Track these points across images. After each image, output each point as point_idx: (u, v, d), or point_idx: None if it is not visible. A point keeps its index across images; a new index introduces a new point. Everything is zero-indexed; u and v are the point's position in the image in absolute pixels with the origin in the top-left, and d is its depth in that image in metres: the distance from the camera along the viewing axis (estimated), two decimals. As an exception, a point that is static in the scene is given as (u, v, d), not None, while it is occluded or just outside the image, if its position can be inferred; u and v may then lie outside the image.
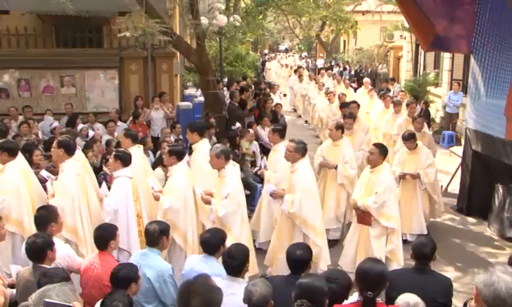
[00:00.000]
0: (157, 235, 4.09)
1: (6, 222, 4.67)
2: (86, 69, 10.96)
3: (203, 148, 6.21)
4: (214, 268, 3.85)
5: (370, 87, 13.35)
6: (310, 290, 2.96)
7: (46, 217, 4.20)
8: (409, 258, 4.03)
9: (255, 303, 3.06)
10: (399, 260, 5.51)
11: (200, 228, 5.50)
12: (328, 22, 25.95)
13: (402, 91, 13.82)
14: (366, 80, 14.78)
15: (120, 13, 9.47)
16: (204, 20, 10.96)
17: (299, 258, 3.68)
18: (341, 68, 24.89)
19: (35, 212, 4.47)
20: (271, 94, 13.35)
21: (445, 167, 10.08)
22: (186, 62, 15.85)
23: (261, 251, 6.16)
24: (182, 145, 6.22)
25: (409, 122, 8.42)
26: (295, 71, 20.53)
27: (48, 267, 3.69)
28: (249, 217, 6.23)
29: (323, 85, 14.81)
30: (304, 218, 5.38)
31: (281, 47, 47.63)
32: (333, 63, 27.05)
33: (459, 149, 10.54)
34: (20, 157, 5.43)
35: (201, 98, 11.75)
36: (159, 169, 6.76)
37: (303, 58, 32.62)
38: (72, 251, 4.37)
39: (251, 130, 8.90)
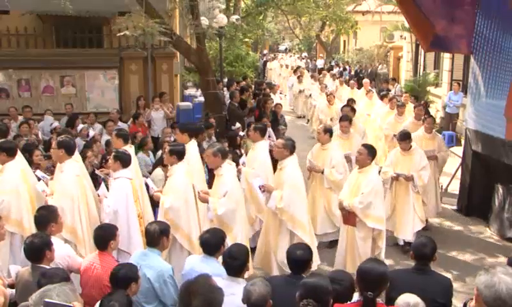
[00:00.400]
0: (157, 235, 4.08)
1: (6, 222, 4.67)
2: (86, 69, 10.97)
3: (191, 149, 6.27)
4: (214, 268, 3.85)
5: (369, 88, 13.20)
6: (316, 289, 2.97)
7: (46, 217, 4.20)
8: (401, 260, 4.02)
9: (253, 303, 3.06)
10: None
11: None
12: (328, 22, 25.96)
13: (406, 92, 13.53)
14: (365, 81, 14.60)
15: (120, 13, 9.48)
16: (204, 21, 10.97)
17: (300, 258, 3.67)
18: (341, 69, 24.89)
19: (35, 212, 4.47)
20: (271, 94, 13.35)
21: (445, 167, 10.02)
22: (186, 63, 15.85)
23: None
24: (182, 145, 6.22)
25: (416, 125, 8.25)
26: (294, 71, 20.51)
27: (47, 267, 3.69)
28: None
29: (326, 86, 14.63)
30: (292, 213, 5.41)
31: (281, 47, 47.61)
32: (333, 63, 27.06)
33: (459, 150, 10.54)
34: (19, 157, 5.43)
35: (201, 98, 11.76)
36: (159, 169, 6.75)
37: (303, 58, 32.59)
38: (72, 251, 4.37)
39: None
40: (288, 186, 5.42)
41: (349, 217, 5.57)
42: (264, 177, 5.73)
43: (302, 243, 4.36)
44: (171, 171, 5.43)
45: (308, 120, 15.96)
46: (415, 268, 3.80)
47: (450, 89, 14.12)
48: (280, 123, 9.99)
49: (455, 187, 8.88)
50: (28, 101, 10.47)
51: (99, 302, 3.27)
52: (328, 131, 6.88)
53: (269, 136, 8.27)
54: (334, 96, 11.94)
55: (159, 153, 7.57)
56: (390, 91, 15.22)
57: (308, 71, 23.95)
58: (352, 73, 23.67)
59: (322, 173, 6.75)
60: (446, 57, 15.43)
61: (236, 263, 3.65)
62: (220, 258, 4.05)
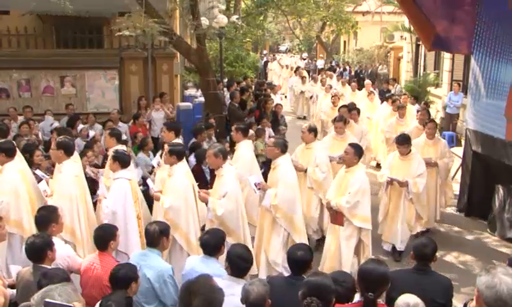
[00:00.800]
0: (157, 236, 4.08)
1: (6, 223, 4.66)
2: (86, 69, 10.96)
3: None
4: (214, 268, 3.84)
5: (371, 89, 12.89)
6: (319, 287, 2.97)
7: (46, 217, 4.20)
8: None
9: (252, 302, 3.07)
10: None
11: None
12: (328, 23, 25.96)
13: (405, 94, 13.39)
14: (367, 82, 14.27)
15: (120, 14, 9.47)
16: (204, 21, 10.96)
17: (300, 258, 3.66)
18: (341, 69, 24.89)
19: (36, 212, 4.47)
20: (272, 94, 13.33)
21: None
22: (186, 63, 15.85)
23: None
24: (182, 145, 6.22)
25: (421, 130, 7.90)
26: (295, 71, 20.43)
27: (48, 267, 3.69)
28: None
29: (330, 87, 14.19)
30: (286, 211, 5.43)
31: (282, 48, 47.65)
32: (333, 64, 27.07)
33: (459, 150, 10.53)
34: (18, 157, 5.43)
35: (202, 99, 11.75)
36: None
37: (304, 59, 32.60)
38: (72, 251, 4.37)
39: (266, 131, 8.88)
40: (282, 184, 5.46)
41: (337, 216, 5.57)
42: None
43: (302, 244, 4.35)
44: (171, 172, 5.43)
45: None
46: (416, 269, 3.81)
47: (451, 90, 14.12)
48: (280, 123, 9.99)
49: (455, 188, 8.87)
50: (28, 101, 10.47)
51: (99, 302, 3.28)
52: (312, 130, 6.78)
53: (270, 136, 8.26)
54: (339, 98, 11.56)
55: (160, 153, 7.58)
56: (390, 91, 15.21)
57: (309, 71, 23.95)
58: (353, 73, 23.68)
59: (305, 172, 6.68)
60: (446, 57, 15.44)
61: (245, 264, 3.67)
62: (220, 259, 4.06)
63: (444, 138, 12.79)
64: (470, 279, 5.99)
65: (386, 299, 3.47)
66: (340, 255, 5.55)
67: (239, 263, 3.64)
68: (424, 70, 17.68)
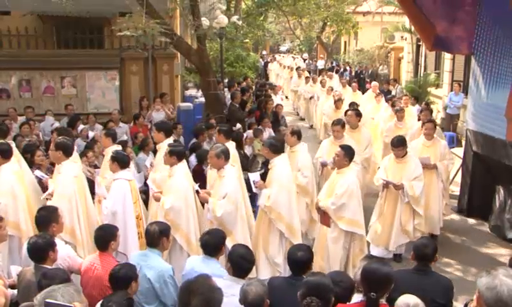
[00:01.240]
0: (157, 236, 4.08)
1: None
2: (86, 70, 10.98)
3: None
4: (214, 269, 3.85)
5: (378, 91, 12.58)
6: (319, 287, 2.98)
7: (47, 217, 4.20)
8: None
9: (250, 302, 3.07)
10: None
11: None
12: (328, 23, 25.97)
13: (406, 95, 13.01)
14: (374, 84, 14.03)
15: (121, 14, 9.48)
16: (205, 21, 10.97)
17: (300, 259, 3.67)
18: (341, 69, 24.88)
19: (36, 212, 4.47)
20: (272, 95, 13.32)
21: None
22: (187, 63, 15.87)
23: None
24: (182, 145, 6.22)
25: None
26: (296, 70, 20.30)
27: (49, 267, 3.69)
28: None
29: (332, 89, 13.87)
30: (279, 212, 5.41)
31: (282, 48, 47.66)
32: (333, 64, 27.07)
33: (459, 151, 10.53)
34: (15, 157, 5.42)
35: (202, 99, 11.76)
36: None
37: (305, 59, 32.60)
38: (73, 251, 4.37)
39: (267, 131, 8.87)
40: (276, 185, 5.44)
41: (324, 217, 5.54)
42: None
43: (303, 244, 4.35)
44: (171, 172, 5.43)
45: (312, 125, 15.40)
46: (416, 269, 3.81)
47: (451, 90, 14.13)
48: (280, 123, 9.98)
49: (455, 188, 8.88)
50: (29, 101, 10.48)
51: (100, 302, 3.28)
52: (296, 133, 6.53)
53: (269, 137, 8.27)
54: (342, 102, 11.26)
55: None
56: (390, 92, 15.19)
57: (310, 72, 23.91)
58: (353, 74, 23.68)
59: None
60: (447, 58, 15.45)
61: (247, 265, 3.67)
62: (221, 259, 4.06)
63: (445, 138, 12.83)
64: (470, 279, 6.00)
65: (386, 299, 3.48)
66: (328, 257, 5.49)
67: (242, 264, 3.64)
68: (425, 70, 17.68)
